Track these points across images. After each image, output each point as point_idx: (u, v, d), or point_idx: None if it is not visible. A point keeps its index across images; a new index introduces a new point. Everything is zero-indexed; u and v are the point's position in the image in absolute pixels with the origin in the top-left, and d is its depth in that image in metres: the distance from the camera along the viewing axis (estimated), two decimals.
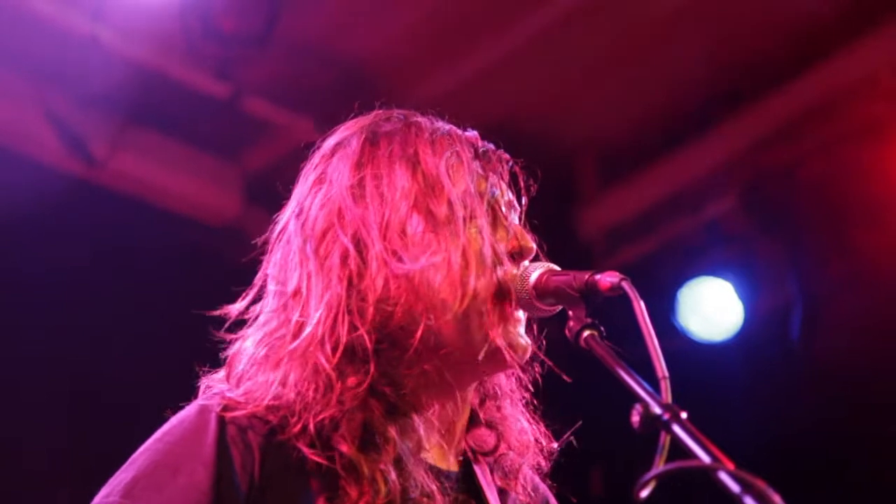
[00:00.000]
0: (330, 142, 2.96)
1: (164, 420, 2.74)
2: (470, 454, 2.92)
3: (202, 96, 6.74)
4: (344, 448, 2.62)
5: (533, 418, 2.99)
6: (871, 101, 7.06)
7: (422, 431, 2.76)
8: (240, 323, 2.91)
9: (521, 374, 2.96)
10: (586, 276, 2.60)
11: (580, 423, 3.00)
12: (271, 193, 3.05)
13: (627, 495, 2.14)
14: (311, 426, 2.63)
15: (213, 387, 2.79)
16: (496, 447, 2.94)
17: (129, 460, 2.64)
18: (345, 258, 2.75)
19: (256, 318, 2.87)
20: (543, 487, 3.09)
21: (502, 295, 2.76)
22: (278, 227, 2.93)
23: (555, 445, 3.00)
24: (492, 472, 2.93)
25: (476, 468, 2.90)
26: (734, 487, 1.95)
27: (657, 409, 2.18)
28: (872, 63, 7.04)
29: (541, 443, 2.98)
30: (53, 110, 6.56)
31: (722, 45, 7.04)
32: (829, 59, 7.07)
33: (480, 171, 2.88)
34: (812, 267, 7.65)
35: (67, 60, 6.45)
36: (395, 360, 2.73)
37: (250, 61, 6.76)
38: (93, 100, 6.60)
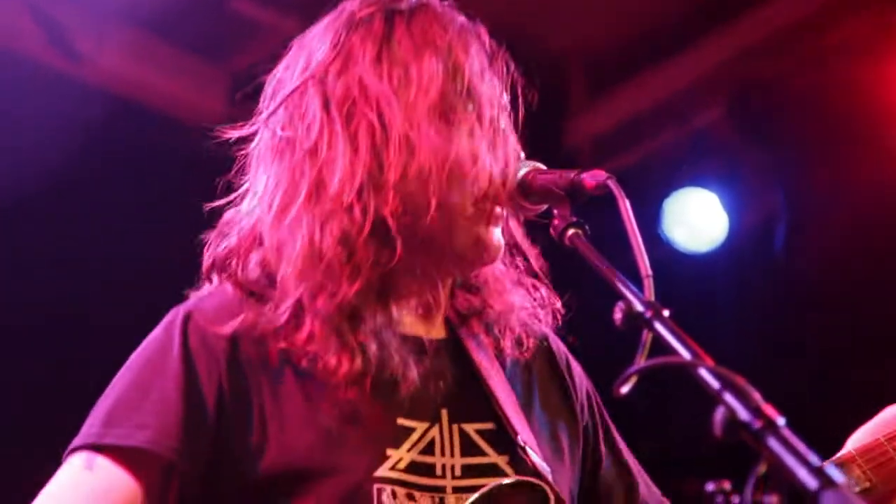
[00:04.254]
0: (343, 15, 2.90)
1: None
2: (456, 319, 2.96)
3: None
4: (321, 321, 2.65)
5: (520, 282, 3.01)
6: (861, 15, 7.03)
7: (395, 310, 2.78)
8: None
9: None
10: (572, 175, 2.61)
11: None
12: (257, 95, 3.03)
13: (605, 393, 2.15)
14: (297, 298, 2.67)
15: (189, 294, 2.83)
16: (481, 308, 2.97)
17: (107, 389, 2.69)
18: (372, 132, 2.73)
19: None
20: (548, 334, 3.11)
21: (489, 198, 2.78)
22: (288, 87, 2.88)
23: (558, 305, 3.02)
24: (486, 332, 2.96)
25: (462, 331, 2.94)
26: (714, 383, 1.96)
27: (640, 307, 2.19)
28: None
29: (532, 303, 3.00)
30: (39, 6, 6.49)
31: None
32: None
33: (495, 78, 2.89)
34: (797, 179, 7.65)
35: None
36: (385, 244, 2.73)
37: None
38: None
